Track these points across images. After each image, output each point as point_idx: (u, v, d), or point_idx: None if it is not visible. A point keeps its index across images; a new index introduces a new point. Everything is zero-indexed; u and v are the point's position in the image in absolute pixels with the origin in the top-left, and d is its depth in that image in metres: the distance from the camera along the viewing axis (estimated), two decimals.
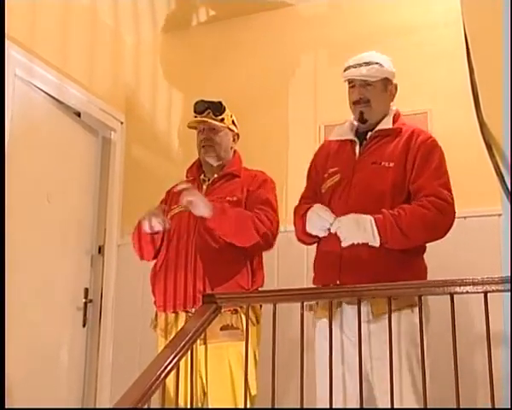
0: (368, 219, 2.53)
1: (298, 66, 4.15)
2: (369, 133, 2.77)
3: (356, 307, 2.47)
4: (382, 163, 2.67)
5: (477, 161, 3.37)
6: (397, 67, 3.80)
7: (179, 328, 2.86)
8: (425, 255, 3.34)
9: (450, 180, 2.67)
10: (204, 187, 3.11)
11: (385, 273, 2.50)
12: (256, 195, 3.06)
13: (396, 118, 2.80)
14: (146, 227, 2.94)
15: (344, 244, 2.56)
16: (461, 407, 2.15)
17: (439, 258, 3.40)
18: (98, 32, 4.30)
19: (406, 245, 2.56)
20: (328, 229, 2.61)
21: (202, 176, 3.16)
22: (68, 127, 4.07)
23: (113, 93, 4.40)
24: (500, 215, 3.15)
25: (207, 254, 2.95)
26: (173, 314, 2.96)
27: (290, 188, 3.91)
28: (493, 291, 2.18)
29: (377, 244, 2.52)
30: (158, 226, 2.94)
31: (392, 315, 2.42)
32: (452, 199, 2.61)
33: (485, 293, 2.19)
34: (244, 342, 2.60)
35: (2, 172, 3.21)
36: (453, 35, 3.65)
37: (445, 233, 2.62)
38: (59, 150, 3.95)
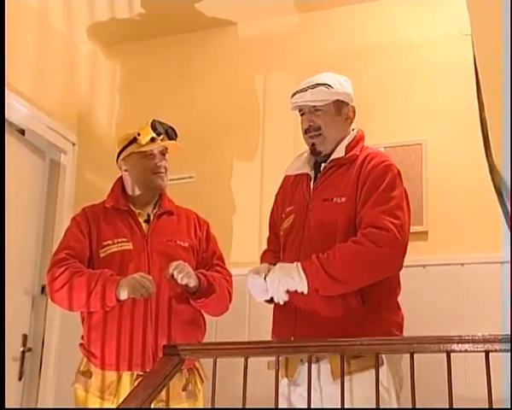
0: (294, 266, 2.58)
1: (274, 86, 4.23)
2: (323, 165, 2.81)
3: (318, 365, 2.57)
4: (334, 199, 2.69)
5: (477, 199, 3.48)
6: (388, 90, 3.95)
7: (124, 389, 2.90)
8: (417, 305, 3.41)
9: (403, 205, 2.62)
10: (142, 223, 3.15)
11: (342, 329, 2.54)
12: (211, 249, 3.23)
13: (355, 143, 2.81)
14: (143, 294, 2.91)
15: (280, 301, 2.62)
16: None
17: (433, 308, 3.46)
18: (48, 38, 4.32)
19: (342, 289, 2.57)
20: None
21: (133, 208, 3.18)
22: (10, 147, 4.03)
23: (64, 109, 4.41)
24: (503, 263, 3.21)
25: (170, 309, 3.03)
26: (115, 373, 2.96)
27: (265, 224, 3.94)
28: (496, 351, 2.20)
29: (305, 290, 2.55)
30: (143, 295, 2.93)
31: (354, 376, 2.51)
32: (397, 225, 2.55)
33: (487, 352, 2.21)
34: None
35: (3, 180, 3.22)
36: (453, 55, 3.78)
37: (392, 268, 2.60)
38: None
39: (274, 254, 2.89)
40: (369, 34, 4.11)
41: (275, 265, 2.71)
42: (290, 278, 2.57)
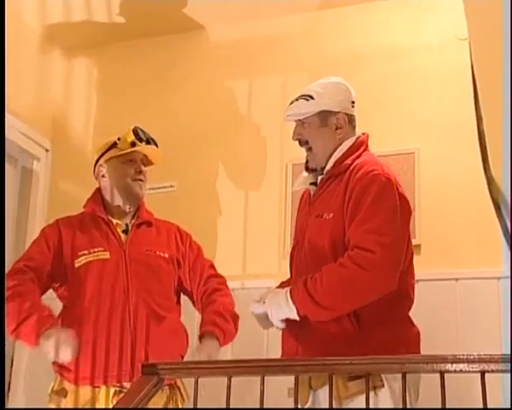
0: (283, 293, 2.61)
1: (260, 92, 4.25)
2: (319, 177, 2.81)
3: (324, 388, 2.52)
4: (324, 215, 2.69)
5: (473, 212, 3.50)
6: (378, 97, 3.96)
7: (100, 406, 2.90)
8: None
9: (392, 219, 2.56)
10: (121, 234, 3.18)
11: (338, 350, 2.51)
12: (200, 263, 3.27)
13: (352, 151, 2.78)
14: (55, 357, 2.91)
15: (279, 326, 2.66)
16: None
17: (426, 326, 3.46)
18: (20, 37, 4.30)
19: (329, 316, 2.57)
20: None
21: (111, 218, 3.20)
22: None
23: (38, 114, 4.39)
24: (500, 278, 3.22)
25: (149, 320, 3.04)
26: (90, 389, 2.96)
27: (251, 236, 3.96)
28: (492, 371, 2.21)
29: (296, 317, 2.58)
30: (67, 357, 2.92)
31: (355, 399, 2.48)
32: (383, 244, 2.50)
33: (483, 373, 2.21)
34: None
35: (2, 179, 3.25)
36: (448, 61, 3.81)
37: (380, 291, 2.53)
38: None
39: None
40: (358, 38, 4.13)
41: None
42: (279, 307, 2.60)
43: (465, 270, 3.52)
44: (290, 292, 2.58)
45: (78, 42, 4.56)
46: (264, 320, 2.70)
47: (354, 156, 2.76)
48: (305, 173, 2.88)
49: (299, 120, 2.81)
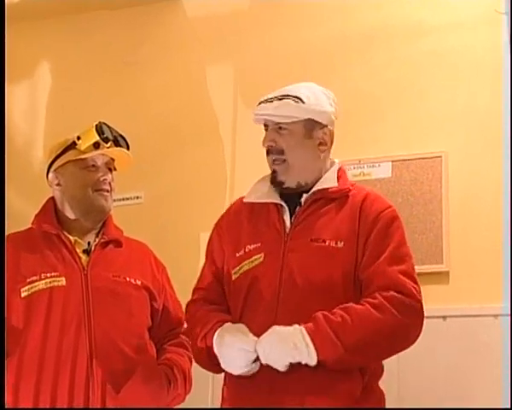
0: (297, 331, 2.59)
1: (248, 80, 4.24)
2: (305, 195, 2.83)
3: None
4: (327, 241, 2.73)
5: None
6: (397, 87, 3.93)
7: None
8: (434, 369, 3.43)
9: (414, 268, 2.72)
10: (82, 255, 3.13)
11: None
12: (172, 310, 3.26)
13: (339, 176, 2.87)
14: None
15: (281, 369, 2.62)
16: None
17: (456, 373, 3.44)
18: None
19: (356, 364, 2.65)
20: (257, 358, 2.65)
21: (68, 235, 3.15)
22: None
23: None
24: None
25: (116, 364, 2.98)
26: None
27: None
28: None
29: (314, 362, 2.58)
30: None
31: None
32: (418, 292, 2.67)
33: None
34: None
35: (2, 172, 3.39)
36: (483, 41, 3.79)
37: (410, 342, 2.70)
38: None
39: (217, 306, 2.85)
40: (372, 14, 4.11)
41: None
42: (294, 349, 2.57)
43: (506, 304, 3.46)
44: (308, 331, 2.57)
45: (16, 13, 4.47)
46: (243, 362, 2.64)
47: (346, 183, 2.87)
48: (268, 180, 2.89)
49: (277, 123, 2.80)
